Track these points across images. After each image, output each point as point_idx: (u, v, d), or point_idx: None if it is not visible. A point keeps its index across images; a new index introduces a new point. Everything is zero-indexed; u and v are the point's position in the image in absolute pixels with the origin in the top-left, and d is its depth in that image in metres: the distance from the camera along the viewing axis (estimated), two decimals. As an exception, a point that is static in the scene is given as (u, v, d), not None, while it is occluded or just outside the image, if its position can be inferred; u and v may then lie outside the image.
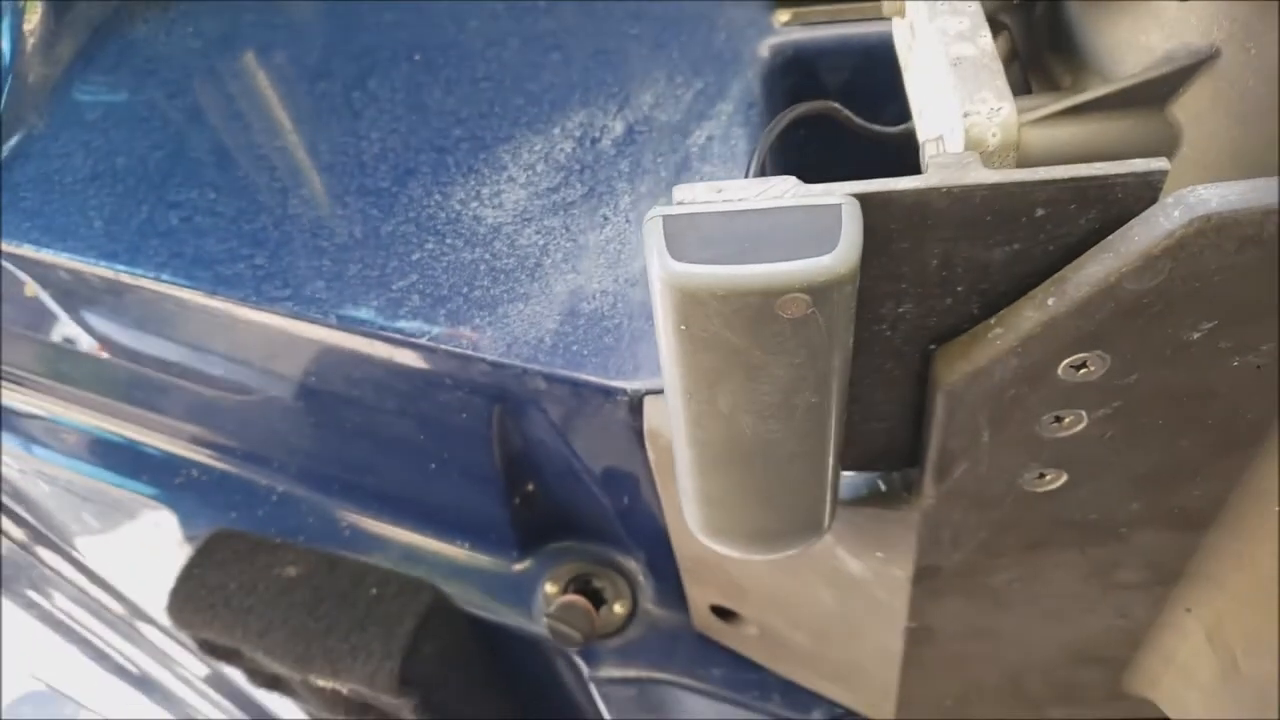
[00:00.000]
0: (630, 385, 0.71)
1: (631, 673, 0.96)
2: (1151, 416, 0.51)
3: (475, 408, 0.80)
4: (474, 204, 0.82)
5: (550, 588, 0.98)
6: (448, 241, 0.80)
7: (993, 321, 0.48)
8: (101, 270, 0.83)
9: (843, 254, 0.41)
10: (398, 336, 0.76)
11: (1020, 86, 0.58)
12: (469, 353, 0.75)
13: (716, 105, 0.85)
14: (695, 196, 0.44)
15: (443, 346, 0.75)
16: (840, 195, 0.43)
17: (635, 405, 0.71)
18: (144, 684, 1.99)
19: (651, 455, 0.72)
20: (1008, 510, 0.58)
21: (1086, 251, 0.44)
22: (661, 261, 0.42)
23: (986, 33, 0.53)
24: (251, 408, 0.98)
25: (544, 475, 0.89)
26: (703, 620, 0.94)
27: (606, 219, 0.80)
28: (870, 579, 0.70)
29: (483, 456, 0.86)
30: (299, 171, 0.86)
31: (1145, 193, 0.42)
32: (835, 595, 0.75)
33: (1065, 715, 0.86)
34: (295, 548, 0.98)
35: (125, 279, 0.83)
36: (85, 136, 0.93)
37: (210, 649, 1.00)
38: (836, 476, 0.55)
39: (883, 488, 0.62)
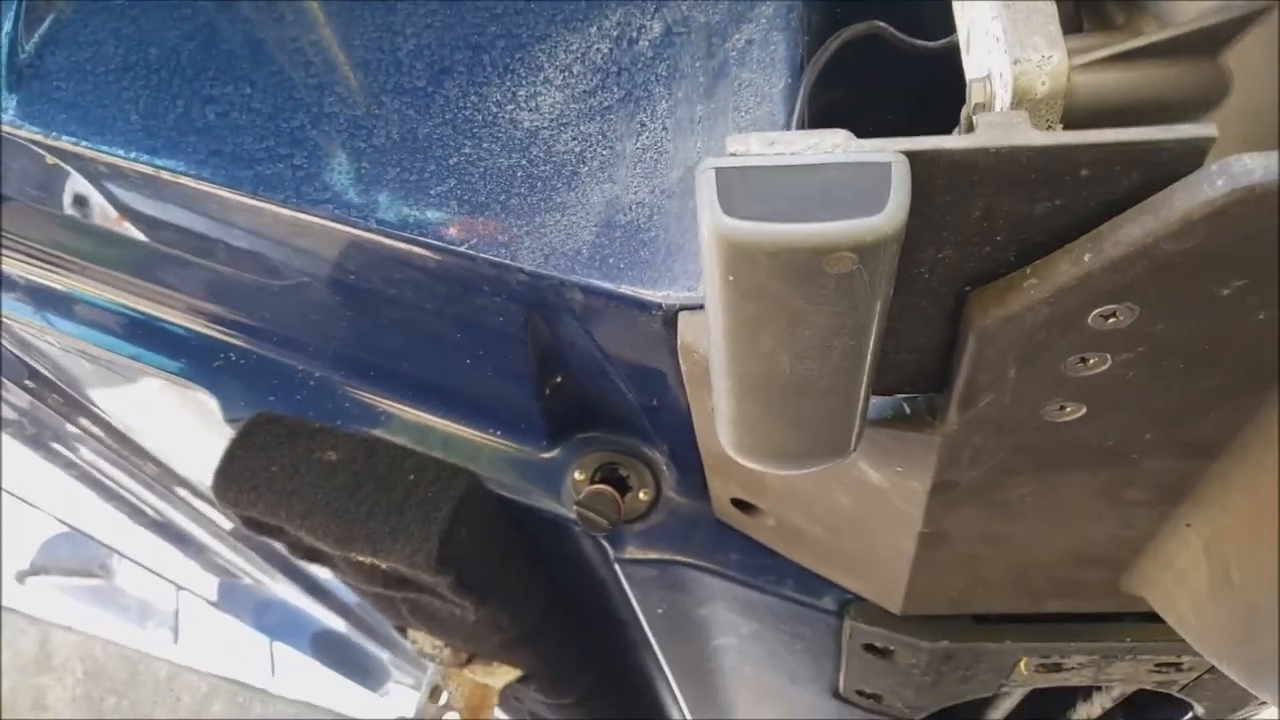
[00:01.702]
0: (665, 300, 0.73)
1: (653, 555, 1.02)
2: (1173, 360, 0.53)
3: (511, 312, 0.82)
4: (510, 106, 0.82)
5: (579, 475, 1.02)
6: (484, 146, 0.81)
7: (1028, 271, 0.49)
8: (142, 167, 0.84)
9: (891, 214, 0.42)
10: (437, 244, 0.78)
11: (1072, 19, 0.58)
12: (506, 261, 0.76)
13: (756, 7, 0.84)
14: (749, 148, 0.45)
15: (481, 255, 0.77)
16: (890, 153, 0.44)
17: (670, 319, 0.73)
18: (168, 531, 2.10)
19: (684, 367, 0.74)
20: (1026, 436, 0.61)
21: (1126, 211, 0.45)
22: (713, 215, 0.44)
23: (1042, -29, 0.52)
24: (289, 295, 1.00)
25: (575, 373, 0.92)
26: (723, 510, 0.99)
27: (643, 125, 0.80)
28: (888, 489, 0.73)
29: (516, 355, 0.89)
30: (334, 68, 0.85)
31: (1192, 158, 0.43)
32: (853, 500, 0.79)
33: (1064, 607, 0.92)
34: (334, 432, 1.03)
35: (165, 175, 0.84)
36: (115, 24, 0.92)
37: (254, 525, 1.05)
38: (866, 405, 0.58)
39: (907, 410, 0.64)
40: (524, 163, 0.80)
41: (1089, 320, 0.50)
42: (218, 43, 0.89)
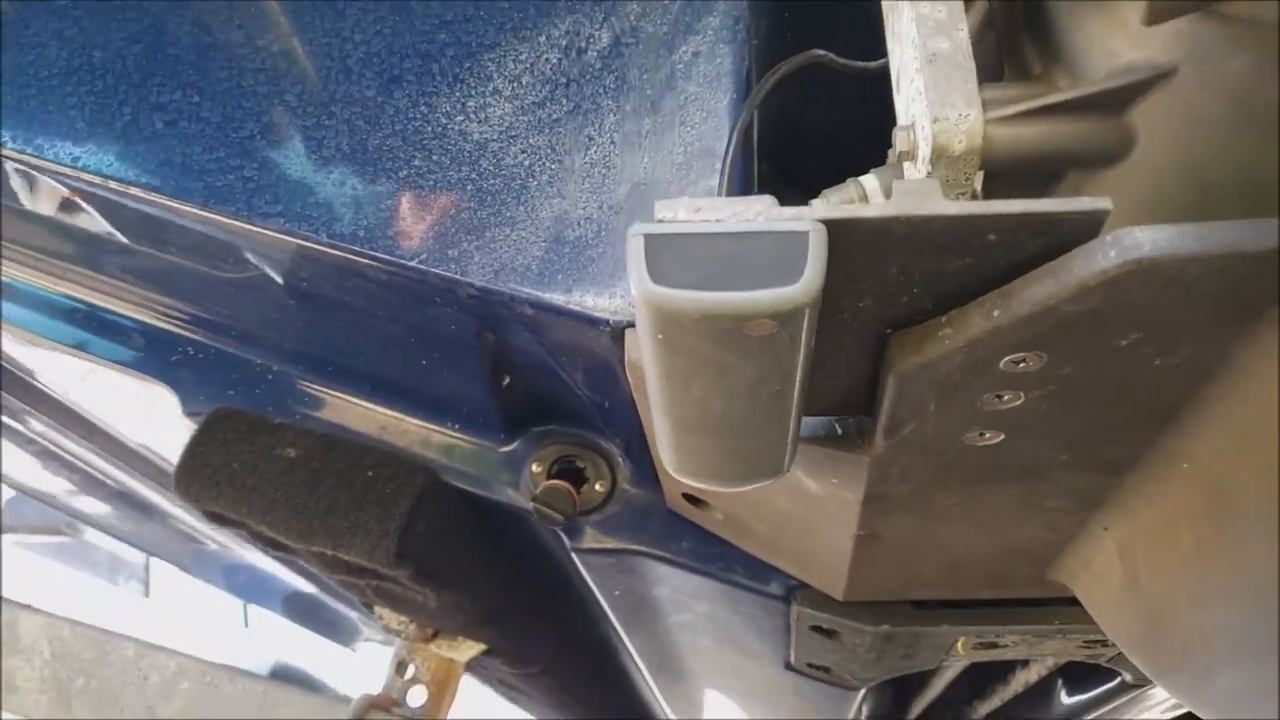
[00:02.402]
0: (613, 316, 0.75)
1: (609, 544, 1.05)
2: (1081, 397, 0.56)
3: (463, 321, 0.84)
4: (460, 118, 0.83)
5: (536, 467, 1.05)
6: (434, 159, 0.82)
7: (944, 321, 0.52)
8: (90, 177, 0.84)
9: (806, 284, 0.45)
10: (387, 258, 0.79)
11: (993, 65, 0.60)
12: (457, 277, 0.78)
13: (704, 19, 0.85)
14: (676, 214, 0.48)
15: (432, 270, 0.78)
16: (808, 222, 0.46)
17: (618, 334, 0.75)
18: (130, 500, 2.10)
19: (632, 381, 0.77)
20: (950, 457, 0.65)
21: (1032, 272, 0.48)
22: (641, 282, 0.46)
23: (964, 24, 0.54)
24: (245, 293, 1.01)
25: (528, 374, 0.95)
26: (675, 502, 1.02)
27: (591, 139, 0.82)
28: (824, 496, 0.77)
29: (470, 359, 0.91)
30: (283, 75, 0.86)
31: (1090, 227, 0.46)
32: (793, 504, 0.82)
33: (997, 594, 0.96)
34: (294, 428, 1.04)
35: (114, 186, 0.84)
36: (58, 24, 0.91)
37: (216, 519, 1.07)
38: (797, 433, 0.60)
39: (839, 431, 0.68)
40: (473, 176, 0.81)
41: (1000, 365, 0.53)
42: (165, 46, 0.88)
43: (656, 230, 0.47)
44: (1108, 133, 0.53)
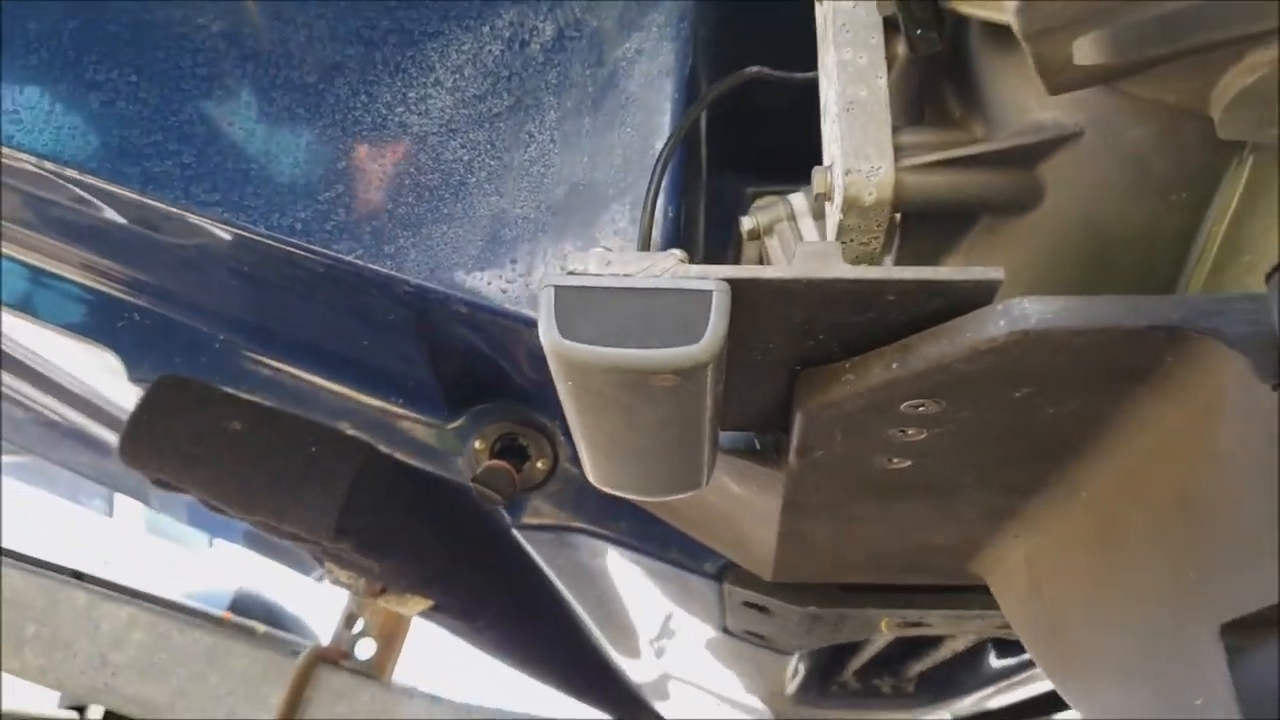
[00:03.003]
0: (544, 319, 0.76)
1: (549, 521, 1.08)
2: (982, 435, 0.58)
3: (400, 312, 0.85)
4: (400, 109, 0.83)
5: (479, 444, 1.07)
6: (373, 150, 0.82)
7: (847, 366, 0.54)
8: (25, 157, 0.84)
9: (708, 343, 0.46)
10: (324, 252, 0.80)
11: (914, 103, 0.61)
12: (393, 274, 0.79)
13: (648, 14, 0.85)
14: (586, 266, 0.49)
15: (368, 265, 0.79)
16: (713, 281, 0.47)
17: (549, 339, 0.77)
18: (82, 438, 2.10)
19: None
20: (861, 477, 0.67)
21: (928, 330, 0.50)
22: (549, 334, 0.47)
23: (883, 72, 0.55)
24: (189, 264, 1.01)
25: (468, 359, 0.96)
26: (612, 483, 1.05)
27: (532, 136, 0.82)
28: (747, 498, 0.79)
29: (409, 344, 0.92)
30: (223, 57, 0.85)
31: (983, 294, 0.48)
32: (720, 500, 0.85)
33: (920, 580, 1.00)
34: (239, 399, 1.05)
35: (49, 166, 0.84)
36: (-7, -7, 0.89)
37: (163, 485, 1.09)
38: (713, 455, 0.63)
39: (757, 445, 0.70)
40: (412, 170, 0.81)
41: (901, 408, 0.55)
42: (104, 23, 0.87)
43: (566, 283, 0.48)
44: (1016, 184, 0.55)
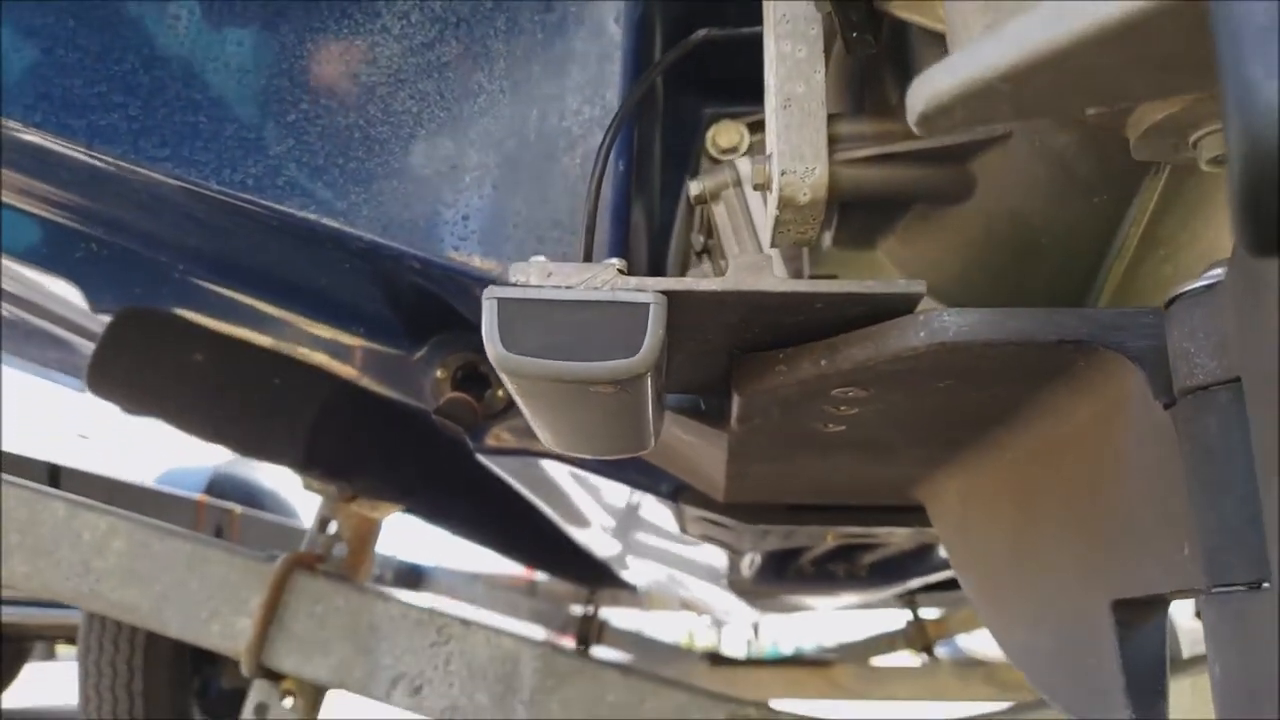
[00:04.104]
0: (500, 276, 0.78)
1: (510, 446, 1.12)
2: (910, 412, 0.62)
3: (355, 263, 0.86)
4: (347, 58, 0.82)
5: (440, 373, 1.09)
6: (322, 102, 0.81)
7: (780, 357, 0.57)
8: (-33, 107, 0.82)
9: (645, 355, 0.49)
10: (276, 207, 0.80)
11: (854, 83, 0.61)
12: (346, 229, 0.80)
13: (598, -43, 0.83)
14: (529, 278, 0.51)
15: (322, 221, 0.80)
16: (650, 294, 0.50)
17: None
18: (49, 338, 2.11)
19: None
20: (799, 438, 0.71)
21: (853, 333, 0.52)
22: (493, 344, 0.50)
23: (821, 66, 0.55)
24: (141, 206, 1.01)
25: (426, 300, 0.97)
26: (572, 410, 1.08)
27: (481, 86, 0.81)
28: (696, 444, 0.83)
29: (367, 285, 0.94)
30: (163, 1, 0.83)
31: (906, 304, 0.50)
32: (672, 441, 0.89)
33: (864, 502, 1.06)
34: (202, 332, 1.07)
35: (-8, 117, 0.82)
36: (-84, -77, 0.85)
37: (131, 412, 1.11)
38: (659, 422, 0.66)
39: (702, 406, 0.73)
40: (361, 122, 0.81)
41: (832, 393, 0.58)
42: (34, -39, 0.84)
43: (509, 295, 0.50)
44: (947, 179, 0.56)
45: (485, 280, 0.79)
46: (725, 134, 0.96)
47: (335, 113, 0.81)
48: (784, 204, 0.55)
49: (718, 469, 0.90)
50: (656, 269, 1.00)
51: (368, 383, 1.09)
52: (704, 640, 7.59)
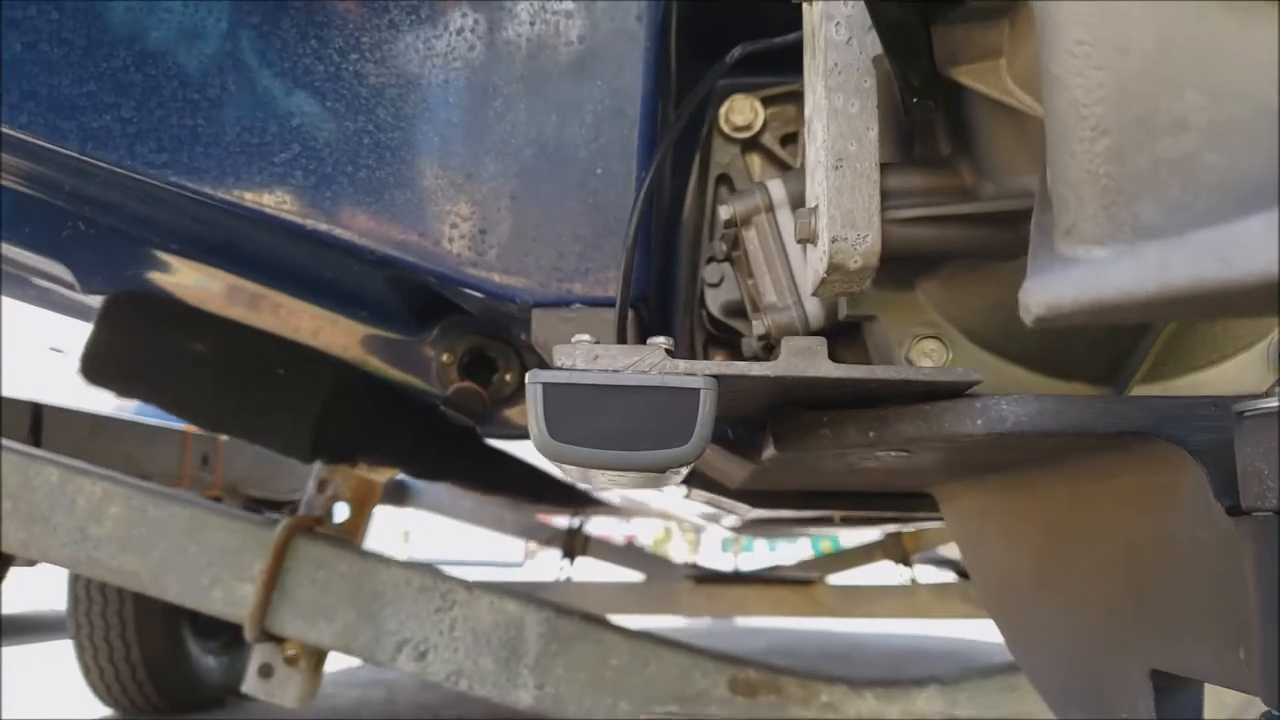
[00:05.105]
0: (520, 293, 0.76)
1: (518, 429, 1.11)
2: (944, 458, 0.61)
3: (367, 269, 0.83)
4: (354, 56, 0.77)
5: (446, 358, 1.07)
6: (328, 105, 0.77)
7: (824, 420, 0.55)
8: (-51, 107, 0.77)
9: (695, 444, 0.48)
10: (284, 218, 0.77)
11: (905, 132, 0.59)
12: (357, 241, 0.77)
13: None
14: (574, 361, 0.49)
15: (333, 234, 0.77)
16: (700, 378, 0.48)
17: (525, 313, 0.76)
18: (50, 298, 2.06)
19: (543, 355, 0.79)
20: (830, 470, 0.70)
21: (906, 409, 0.51)
22: (539, 433, 0.48)
23: (875, 123, 0.52)
24: (134, 195, 0.96)
25: (437, 299, 0.95)
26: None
27: (496, 89, 0.78)
28: (717, 454, 0.83)
29: (377, 286, 0.91)
30: (152, -9, 0.78)
31: (959, 389, 0.49)
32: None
33: (878, 490, 1.06)
34: (201, 318, 1.04)
35: (-23, 117, 0.78)
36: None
37: (128, 398, 1.09)
38: None
39: (730, 435, 0.72)
40: (370, 127, 0.77)
41: (876, 453, 0.57)
42: (11, -56, 0.78)
43: (555, 379, 0.48)
44: (998, 240, 0.54)
45: (504, 297, 0.77)
46: (740, 111, 0.93)
47: (343, 116, 0.77)
48: (833, 269, 0.53)
49: (732, 468, 0.90)
50: (668, 250, 0.98)
51: (375, 368, 1.07)
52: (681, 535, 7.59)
